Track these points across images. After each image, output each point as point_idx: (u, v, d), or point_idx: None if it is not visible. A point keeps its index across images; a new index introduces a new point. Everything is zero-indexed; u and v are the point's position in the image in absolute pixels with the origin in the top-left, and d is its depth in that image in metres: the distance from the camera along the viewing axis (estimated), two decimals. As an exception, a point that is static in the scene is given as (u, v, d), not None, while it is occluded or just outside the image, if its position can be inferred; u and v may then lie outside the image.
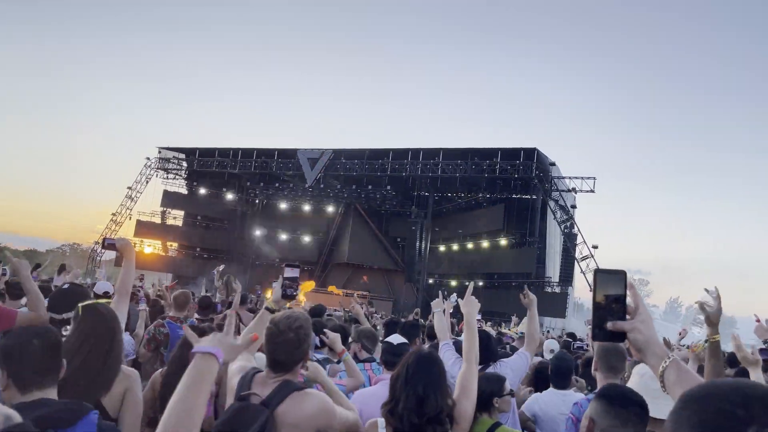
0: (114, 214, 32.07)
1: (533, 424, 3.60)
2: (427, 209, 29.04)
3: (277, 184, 32.96)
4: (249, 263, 33.22)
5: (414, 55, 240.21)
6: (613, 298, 1.24)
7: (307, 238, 35.54)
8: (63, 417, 1.64)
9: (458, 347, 3.24)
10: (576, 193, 25.11)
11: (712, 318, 2.63)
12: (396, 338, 3.26)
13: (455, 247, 30.02)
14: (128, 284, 2.94)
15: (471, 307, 2.78)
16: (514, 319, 10.04)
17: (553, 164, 25.30)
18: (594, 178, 24.38)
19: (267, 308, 2.51)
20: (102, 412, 2.10)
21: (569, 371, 3.82)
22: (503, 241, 27.24)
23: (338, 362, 3.58)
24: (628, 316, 1.24)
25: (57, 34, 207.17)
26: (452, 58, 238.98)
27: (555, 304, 23.38)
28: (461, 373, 2.44)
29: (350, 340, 4.11)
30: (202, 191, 34.02)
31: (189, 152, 32.82)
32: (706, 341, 2.97)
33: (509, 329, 9.92)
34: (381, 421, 2.20)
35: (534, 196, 25.39)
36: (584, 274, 23.68)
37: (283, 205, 35.50)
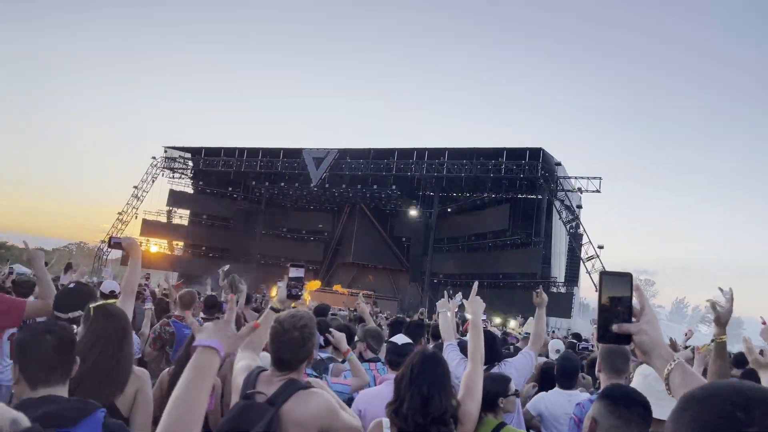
0: (120, 213, 32.33)
1: (539, 422, 3.59)
2: (432, 209, 29.03)
3: (282, 184, 33.05)
4: (254, 262, 33.30)
5: (420, 55, 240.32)
6: (619, 301, 1.23)
7: (312, 238, 35.61)
8: (67, 415, 1.62)
9: (462, 348, 3.24)
10: (582, 193, 25.08)
11: (722, 318, 2.60)
12: (401, 338, 3.26)
13: (460, 247, 29.99)
14: (134, 283, 2.96)
15: (476, 306, 2.78)
16: (519, 319, 10.00)
17: (559, 164, 25.25)
18: (600, 178, 24.38)
19: (272, 308, 2.52)
20: (115, 412, 2.11)
21: (575, 371, 3.81)
22: (508, 241, 27.21)
23: (343, 362, 3.58)
24: (633, 319, 1.24)
25: (57, 34, 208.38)
26: (458, 58, 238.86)
27: (560, 304, 23.25)
28: (467, 372, 2.44)
29: (356, 339, 4.11)
30: (208, 190, 34.17)
31: (195, 151, 33.00)
32: (712, 341, 2.95)
33: (513, 329, 9.91)
34: (386, 421, 2.20)
35: (540, 196, 25.38)
36: (590, 274, 23.61)
37: (288, 205, 35.57)
